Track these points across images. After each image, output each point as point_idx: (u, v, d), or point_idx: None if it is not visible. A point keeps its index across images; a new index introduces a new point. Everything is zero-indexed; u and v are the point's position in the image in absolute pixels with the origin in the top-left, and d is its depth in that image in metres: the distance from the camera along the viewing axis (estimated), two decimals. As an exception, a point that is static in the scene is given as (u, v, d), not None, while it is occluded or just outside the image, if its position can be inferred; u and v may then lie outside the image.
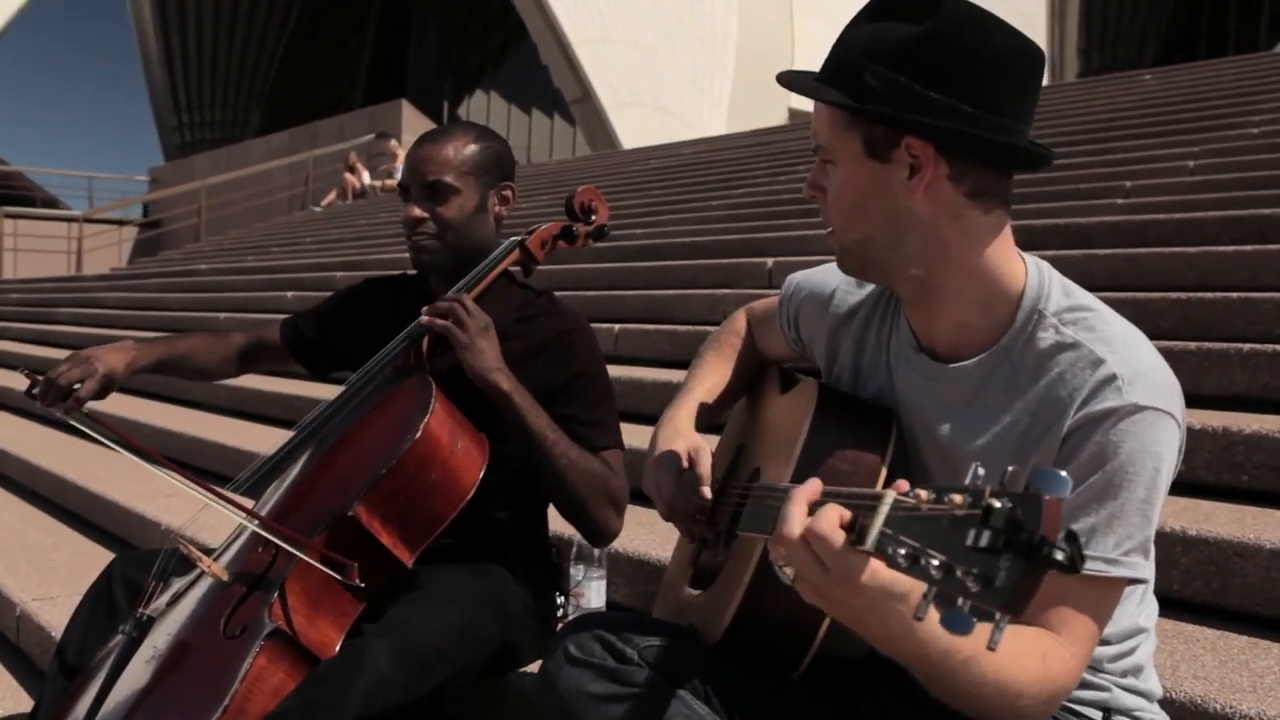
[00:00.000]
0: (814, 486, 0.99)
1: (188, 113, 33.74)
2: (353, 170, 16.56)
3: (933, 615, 0.88)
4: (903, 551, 0.83)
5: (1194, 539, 2.11)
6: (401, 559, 1.72)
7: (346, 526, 1.68)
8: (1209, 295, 3.47)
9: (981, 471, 0.83)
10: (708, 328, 4.41)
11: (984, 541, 0.76)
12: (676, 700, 1.24)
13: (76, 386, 1.87)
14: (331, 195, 16.68)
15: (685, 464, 1.47)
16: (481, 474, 1.77)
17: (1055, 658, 1.10)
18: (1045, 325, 1.21)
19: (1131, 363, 1.16)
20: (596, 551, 2.15)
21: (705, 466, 1.46)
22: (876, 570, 0.93)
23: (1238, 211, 4.47)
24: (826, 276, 1.50)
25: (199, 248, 15.36)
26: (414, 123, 18.06)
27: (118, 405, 5.63)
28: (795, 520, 0.96)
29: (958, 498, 0.80)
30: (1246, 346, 2.96)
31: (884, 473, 1.24)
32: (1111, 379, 1.14)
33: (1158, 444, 1.14)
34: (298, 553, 1.66)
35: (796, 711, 1.28)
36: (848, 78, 1.19)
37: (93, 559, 3.35)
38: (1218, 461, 2.49)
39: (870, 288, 1.42)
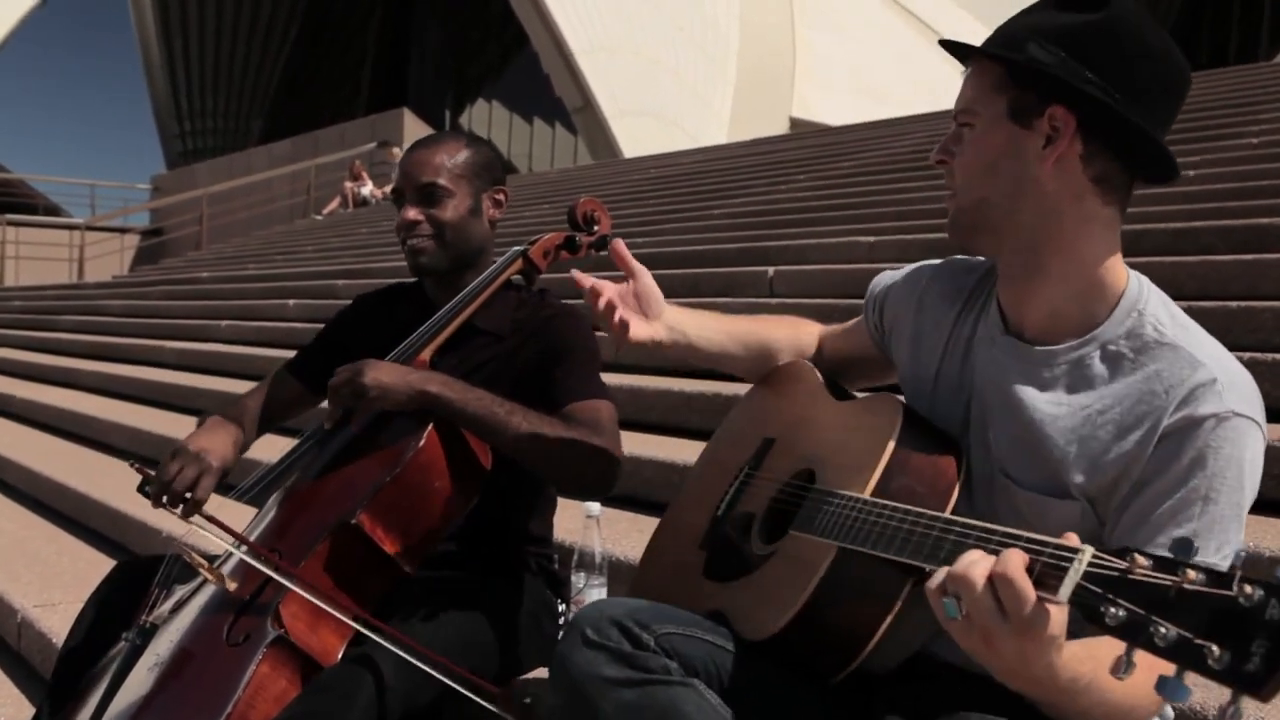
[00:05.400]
0: (1020, 557, 0.96)
1: (190, 120, 33.85)
2: (357, 179, 16.58)
3: (1076, 652, 0.95)
4: (1122, 614, 0.85)
5: (1194, 548, 2.11)
6: (404, 567, 1.73)
7: (350, 534, 1.69)
8: (1208, 304, 3.48)
9: (1195, 544, 0.88)
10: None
11: (1261, 632, 0.78)
12: (690, 689, 1.24)
13: (191, 488, 1.81)
14: (334, 203, 16.70)
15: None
16: (484, 481, 1.78)
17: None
18: (1144, 323, 1.25)
19: (1226, 371, 1.21)
20: (597, 559, 2.15)
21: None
22: (1058, 621, 0.95)
23: (1236, 221, 4.48)
24: (918, 271, 1.54)
25: (201, 256, 15.39)
26: (415, 131, 18.08)
27: (125, 413, 5.63)
28: (980, 563, 0.97)
29: (1191, 573, 0.84)
30: (1247, 355, 2.96)
31: (953, 501, 1.26)
32: (1212, 382, 1.18)
33: (1250, 451, 1.18)
34: (294, 585, 1.67)
35: (814, 711, 1.29)
36: (1012, 46, 1.24)
37: (95, 566, 3.35)
38: (1218, 470, 2.49)
39: (961, 283, 1.44)
